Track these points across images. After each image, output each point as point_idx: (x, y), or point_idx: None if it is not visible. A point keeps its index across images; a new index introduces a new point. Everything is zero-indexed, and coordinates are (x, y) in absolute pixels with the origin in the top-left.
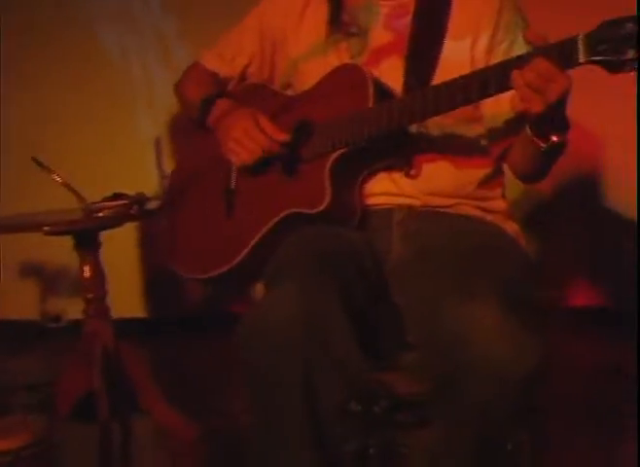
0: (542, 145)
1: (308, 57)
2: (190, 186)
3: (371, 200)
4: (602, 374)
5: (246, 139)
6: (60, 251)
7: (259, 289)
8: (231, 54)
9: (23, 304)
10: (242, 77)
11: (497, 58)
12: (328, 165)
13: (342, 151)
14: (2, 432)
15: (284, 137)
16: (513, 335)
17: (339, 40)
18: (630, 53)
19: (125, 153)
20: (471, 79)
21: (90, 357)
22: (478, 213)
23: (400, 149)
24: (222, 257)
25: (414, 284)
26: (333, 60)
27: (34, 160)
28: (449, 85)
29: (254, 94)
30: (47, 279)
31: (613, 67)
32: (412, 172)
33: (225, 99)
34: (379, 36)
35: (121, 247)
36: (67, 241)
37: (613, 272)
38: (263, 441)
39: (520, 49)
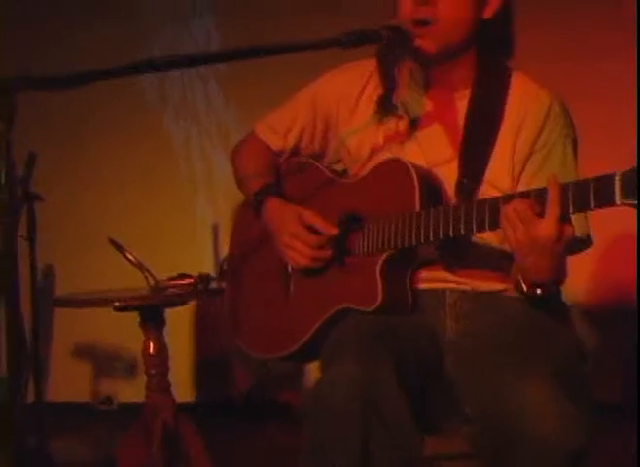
0: (523, 287)
1: (356, 133)
2: (248, 264)
3: (422, 285)
4: None
5: (296, 243)
6: (113, 333)
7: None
8: (283, 129)
9: (75, 385)
10: (294, 150)
11: (529, 171)
12: (379, 265)
13: (392, 251)
14: None
15: (333, 231)
16: (562, 412)
17: (388, 118)
18: None
19: (185, 237)
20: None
21: (151, 431)
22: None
23: (445, 246)
24: (283, 341)
25: (471, 361)
26: (378, 135)
27: (111, 241)
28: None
29: (301, 176)
30: (99, 361)
31: None
32: (456, 268)
33: (274, 198)
34: (427, 122)
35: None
36: (121, 322)
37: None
38: None
39: (554, 163)
